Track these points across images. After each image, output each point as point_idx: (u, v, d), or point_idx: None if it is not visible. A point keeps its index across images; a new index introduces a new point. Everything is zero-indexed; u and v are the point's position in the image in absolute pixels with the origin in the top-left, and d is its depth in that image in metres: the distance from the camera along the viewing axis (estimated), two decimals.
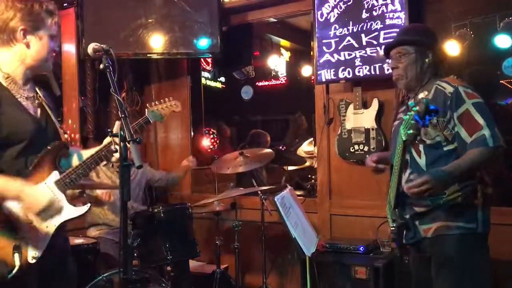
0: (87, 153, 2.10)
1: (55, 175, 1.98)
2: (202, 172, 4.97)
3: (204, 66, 6.91)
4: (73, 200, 2.05)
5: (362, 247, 3.29)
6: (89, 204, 2.03)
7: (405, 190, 2.07)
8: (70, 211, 1.98)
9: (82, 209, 2.01)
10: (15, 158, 1.92)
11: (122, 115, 1.78)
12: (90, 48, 1.95)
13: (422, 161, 2.21)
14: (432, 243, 2.21)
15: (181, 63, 4.67)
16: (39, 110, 2.03)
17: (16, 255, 1.84)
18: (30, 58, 1.99)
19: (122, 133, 1.74)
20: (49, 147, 1.97)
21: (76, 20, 4.10)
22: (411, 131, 1.97)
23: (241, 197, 3.92)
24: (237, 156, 3.71)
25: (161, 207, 3.26)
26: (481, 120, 2.07)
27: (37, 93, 2.08)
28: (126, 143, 1.73)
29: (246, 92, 7.66)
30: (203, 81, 6.93)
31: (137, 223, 3.13)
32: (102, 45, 1.93)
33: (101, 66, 1.89)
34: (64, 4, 4.32)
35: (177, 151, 4.70)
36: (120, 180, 1.72)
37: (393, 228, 2.36)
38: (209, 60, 6.80)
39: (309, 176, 4.77)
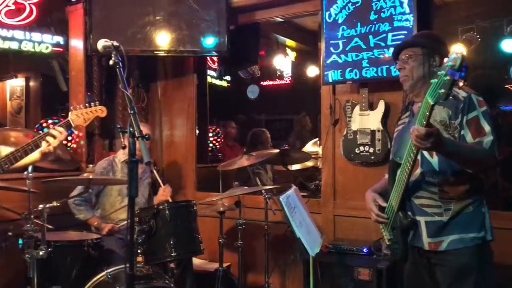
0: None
1: None
2: (207, 170, 4.98)
3: (210, 65, 6.92)
4: None
5: (365, 249, 3.29)
6: None
7: (411, 132, 1.93)
8: None
9: None
10: None
11: (132, 111, 1.78)
12: (100, 44, 1.96)
13: (434, 160, 2.19)
14: (443, 255, 2.19)
15: (187, 61, 4.67)
16: None
17: None
18: None
19: (131, 129, 1.75)
20: None
21: (84, 16, 4.13)
22: (442, 91, 1.80)
23: (245, 196, 3.92)
24: (242, 157, 3.79)
25: (166, 204, 3.24)
26: (487, 128, 2.12)
27: None
28: (135, 139, 1.74)
29: (252, 91, 7.66)
30: (209, 79, 6.95)
31: (142, 219, 3.13)
32: (112, 42, 1.94)
33: (111, 62, 1.91)
34: (73, 0, 4.34)
35: (181, 149, 4.70)
36: (129, 175, 1.73)
37: (390, 243, 2.36)
38: (215, 58, 6.80)
39: (315, 176, 4.76)
